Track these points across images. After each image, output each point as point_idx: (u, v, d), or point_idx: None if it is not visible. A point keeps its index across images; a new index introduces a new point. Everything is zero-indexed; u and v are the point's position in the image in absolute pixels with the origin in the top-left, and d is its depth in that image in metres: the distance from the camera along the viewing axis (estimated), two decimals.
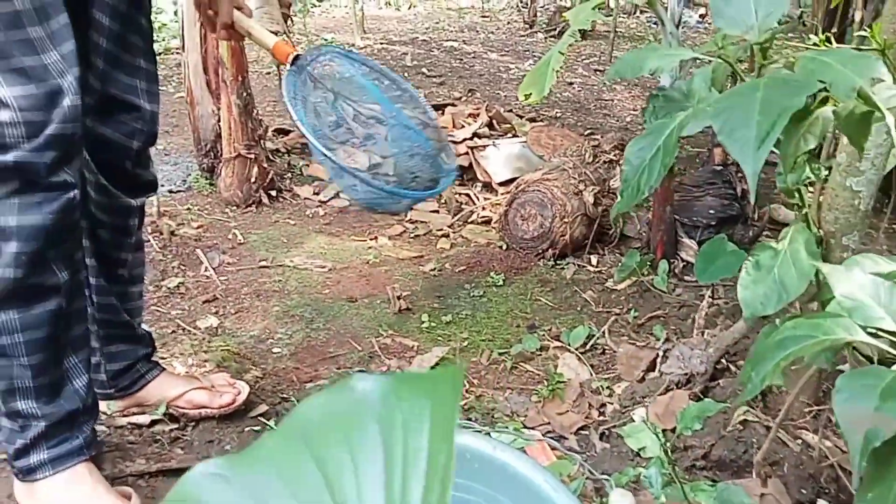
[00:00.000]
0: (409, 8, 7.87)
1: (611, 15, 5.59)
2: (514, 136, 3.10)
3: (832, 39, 0.83)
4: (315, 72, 1.35)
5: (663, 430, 1.27)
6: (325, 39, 5.54)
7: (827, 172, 1.05)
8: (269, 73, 4.43)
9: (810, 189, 1.11)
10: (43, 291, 1.07)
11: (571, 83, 4.65)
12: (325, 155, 1.25)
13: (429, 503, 0.32)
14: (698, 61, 0.97)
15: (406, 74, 4.73)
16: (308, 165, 2.97)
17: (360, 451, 0.35)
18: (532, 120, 3.52)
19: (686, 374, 1.43)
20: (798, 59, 0.72)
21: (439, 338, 1.85)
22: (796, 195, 0.84)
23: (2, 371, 1.10)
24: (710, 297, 1.72)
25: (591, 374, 1.65)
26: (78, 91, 1.02)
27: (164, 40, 4.76)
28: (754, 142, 0.60)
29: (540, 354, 1.75)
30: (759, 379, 0.66)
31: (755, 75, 0.78)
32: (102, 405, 1.40)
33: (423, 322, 1.91)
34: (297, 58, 1.30)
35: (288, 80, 1.28)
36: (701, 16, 7.41)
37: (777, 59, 0.86)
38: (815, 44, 0.83)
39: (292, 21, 3.76)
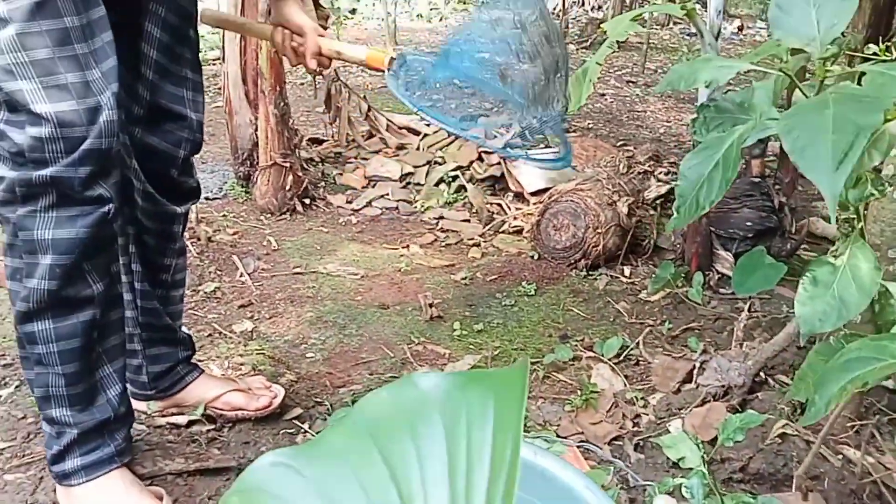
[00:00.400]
0: (441, 20, 7.93)
1: (645, 26, 5.57)
2: (547, 146, 3.09)
3: (893, 50, 0.82)
4: (408, 78, 1.34)
5: (701, 442, 1.25)
6: None
7: (892, 189, 1.04)
8: (303, 84, 4.51)
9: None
10: (77, 302, 1.10)
11: (604, 94, 4.64)
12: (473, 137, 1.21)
13: (494, 495, 0.33)
14: (739, 74, 0.97)
15: (437, 85, 4.77)
16: (341, 174, 3.01)
17: (424, 444, 0.36)
18: (565, 131, 3.51)
19: (724, 386, 1.42)
20: (866, 72, 0.72)
21: (471, 346, 1.86)
22: (853, 210, 0.83)
23: (38, 379, 1.13)
24: (747, 310, 1.69)
25: (626, 385, 1.63)
26: (114, 106, 1.04)
27: (202, 51, 4.87)
28: (831, 162, 0.59)
29: (573, 364, 1.75)
30: (823, 402, 0.65)
31: (815, 89, 0.77)
32: (142, 405, 1.43)
33: (455, 330, 1.92)
34: (392, 60, 1.29)
35: (391, 85, 1.28)
36: (739, 28, 7.34)
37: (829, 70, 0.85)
38: (874, 54, 0.82)
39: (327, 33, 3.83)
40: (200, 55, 1.34)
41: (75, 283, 1.08)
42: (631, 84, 5.01)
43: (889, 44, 0.84)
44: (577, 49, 5.95)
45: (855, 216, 0.96)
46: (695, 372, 1.57)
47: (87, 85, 1.01)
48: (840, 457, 1.26)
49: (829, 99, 0.68)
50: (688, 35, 7.05)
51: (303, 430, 1.47)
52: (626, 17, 1.75)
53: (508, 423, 0.35)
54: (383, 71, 1.28)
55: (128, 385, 1.28)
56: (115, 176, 1.09)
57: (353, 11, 7.35)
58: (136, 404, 1.38)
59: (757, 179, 2.22)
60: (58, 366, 1.11)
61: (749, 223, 2.14)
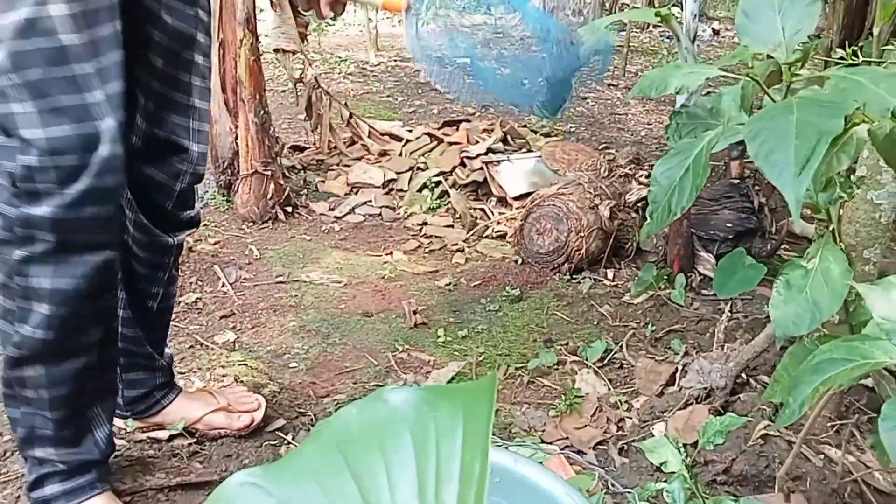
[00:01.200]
0: (423, 25, 7.93)
1: (624, 30, 5.62)
2: (529, 150, 3.11)
3: (859, 54, 0.84)
4: (427, 24, 1.31)
5: (684, 445, 1.26)
6: (340, 57, 5.61)
7: (859, 191, 1.05)
8: (283, 91, 4.49)
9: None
10: (73, 351, 1.05)
11: (585, 98, 4.66)
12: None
13: None
14: (717, 77, 0.98)
15: (419, 91, 4.78)
16: (324, 182, 3.00)
17: (393, 461, 0.36)
18: (546, 135, 3.53)
19: (706, 388, 1.42)
20: (830, 77, 0.72)
21: (455, 352, 1.85)
22: (825, 213, 0.84)
23: (24, 419, 1.08)
24: (728, 311, 1.71)
25: (609, 389, 1.64)
26: (118, 139, 0.96)
27: None
28: (793, 167, 0.59)
29: (557, 369, 1.75)
30: (797, 404, 0.65)
31: (782, 93, 0.78)
32: (121, 422, 1.40)
33: (439, 337, 1.91)
34: (409, 6, 1.26)
35: (408, 32, 1.25)
36: (714, 31, 7.42)
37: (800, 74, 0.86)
38: (841, 58, 0.83)
39: (307, 40, 3.83)
40: None
41: (73, 334, 1.03)
42: (612, 87, 5.04)
43: (856, 48, 0.85)
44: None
45: (828, 220, 0.97)
46: (677, 374, 1.58)
47: (86, 108, 0.93)
48: (821, 457, 1.27)
49: (793, 104, 0.69)
50: (667, 38, 7.12)
51: (286, 442, 1.45)
52: (601, 23, 1.75)
53: (477, 437, 0.35)
54: (401, 12, 1.25)
55: None
56: (118, 218, 1.02)
57: (334, 18, 7.34)
58: (115, 420, 1.35)
59: (736, 181, 2.24)
60: (46, 410, 1.06)
61: (729, 224, 2.16)
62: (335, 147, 3.22)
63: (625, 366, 1.75)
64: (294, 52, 2.89)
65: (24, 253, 0.97)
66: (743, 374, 1.50)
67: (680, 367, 1.59)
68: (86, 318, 1.04)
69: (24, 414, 1.08)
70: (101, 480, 1.16)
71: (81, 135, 0.93)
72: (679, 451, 0.94)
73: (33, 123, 0.92)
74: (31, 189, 0.94)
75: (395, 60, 5.69)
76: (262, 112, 2.58)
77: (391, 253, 2.48)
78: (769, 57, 0.87)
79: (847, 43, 2.43)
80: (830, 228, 0.85)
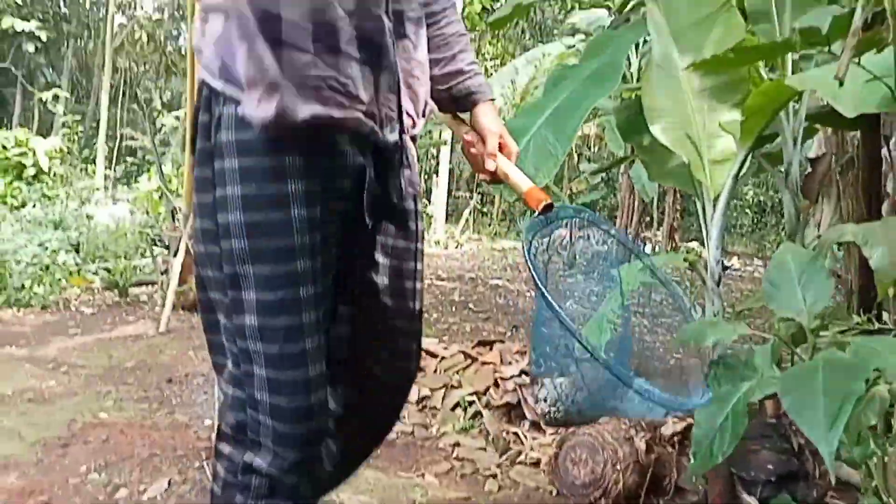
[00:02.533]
0: (457, 247, 8.51)
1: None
2: (562, 374, 3.16)
3: (874, 320, 0.94)
4: (557, 236, 1.28)
5: None
6: None
7: (892, 448, 1.09)
8: None
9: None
10: None
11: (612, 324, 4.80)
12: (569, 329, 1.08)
13: None
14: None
15: (453, 309, 5.00)
16: None
17: None
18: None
19: None
20: (850, 343, 0.82)
21: None
22: (863, 467, 0.88)
23: None
24: None
25: None
26: (324, 403, 1.09)
27: None
28: (824, 423, 0.67)
29: None
30: None
31: (808, 353, 0.88)
32: None
33: None
34: (548, 207, 1.22)
35: (530, 228, 1.22)
36: (724, 267, 7.79)
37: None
38: (858, 323, 0.93)
39: None
40: None
41: None
42: (638, 314, 5.21)
43: (870, 315, 0.96)
44: (585, 279, 6.28)
45: (867, 474, 1.00)
46: None
47: (307, 384, 1.07)
48: None
49: (818, 366, 0.79)
50: (687, 269, 7.46)
51: None
52: (635, 268, 1.92)
53: None
54: (537, 208, 1.22)
55: None
56: (321, 473, 1.17)
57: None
58: None
59: (772, 421, 2.24)
60: None
61: (770, 466, 2.11)
62: None
63: None
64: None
65: (243, 499, 1.09)
66: None
67: None
68: None
69: None
70: None
71: (297, 407, 1.06)
72: None
73: (262, 387, 1.06)
74: (254, 440, 1.08)
75: (430, 279, 6.02)
76: None
77: (423, 475, 2.44)
78: (789, 320, 0.98)
79: (863, 296, 2.53)
80: (872, 485, 0.88)
